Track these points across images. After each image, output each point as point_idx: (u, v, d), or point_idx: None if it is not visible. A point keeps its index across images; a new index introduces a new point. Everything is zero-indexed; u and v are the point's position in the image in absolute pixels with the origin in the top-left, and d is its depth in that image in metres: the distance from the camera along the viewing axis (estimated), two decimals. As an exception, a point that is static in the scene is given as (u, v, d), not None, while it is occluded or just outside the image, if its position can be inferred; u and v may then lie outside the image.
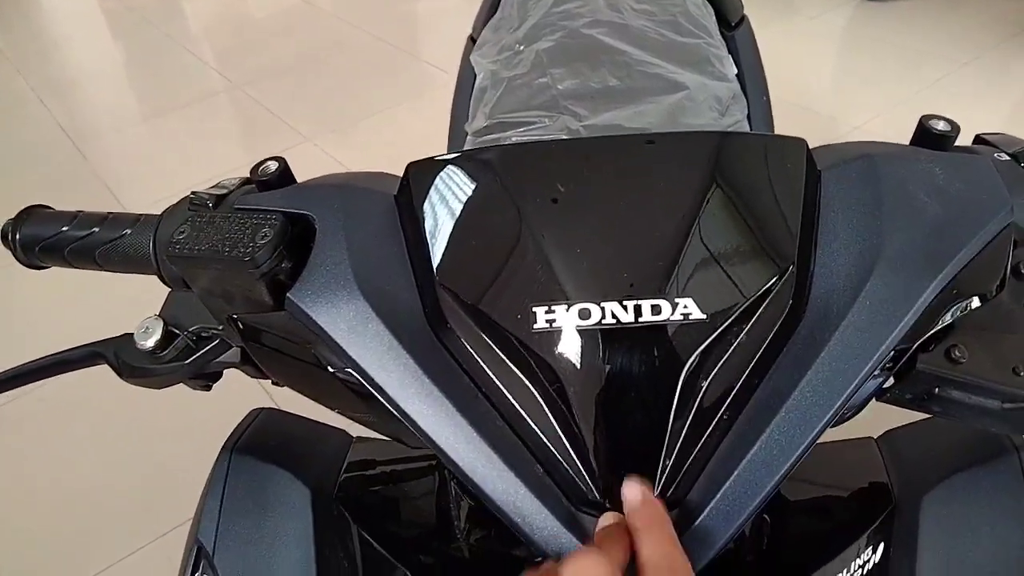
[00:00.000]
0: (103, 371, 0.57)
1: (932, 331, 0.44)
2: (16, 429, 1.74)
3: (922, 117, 0.49)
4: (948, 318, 0.44)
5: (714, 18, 1.20)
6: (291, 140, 2.56)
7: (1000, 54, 2.63)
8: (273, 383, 0.57)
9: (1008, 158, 0.49)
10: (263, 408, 0.61)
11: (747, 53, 1.23)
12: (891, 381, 0.46)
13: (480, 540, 0.52)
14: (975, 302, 0.45)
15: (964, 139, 0.52)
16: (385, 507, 0.55)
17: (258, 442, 0.57)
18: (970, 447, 0.51)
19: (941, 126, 0.49)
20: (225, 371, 0.57)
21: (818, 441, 0.52)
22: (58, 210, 0.61)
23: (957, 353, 0.44)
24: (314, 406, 0.61)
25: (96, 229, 0.57)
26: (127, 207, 2.24)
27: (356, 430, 0.61)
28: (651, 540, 0.39)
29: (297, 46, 3.24)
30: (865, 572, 0.47)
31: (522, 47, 1.18)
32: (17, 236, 0.59)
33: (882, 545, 0.48)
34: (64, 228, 0.58)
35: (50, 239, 0.58)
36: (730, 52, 1.20)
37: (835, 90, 2.59)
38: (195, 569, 0.52)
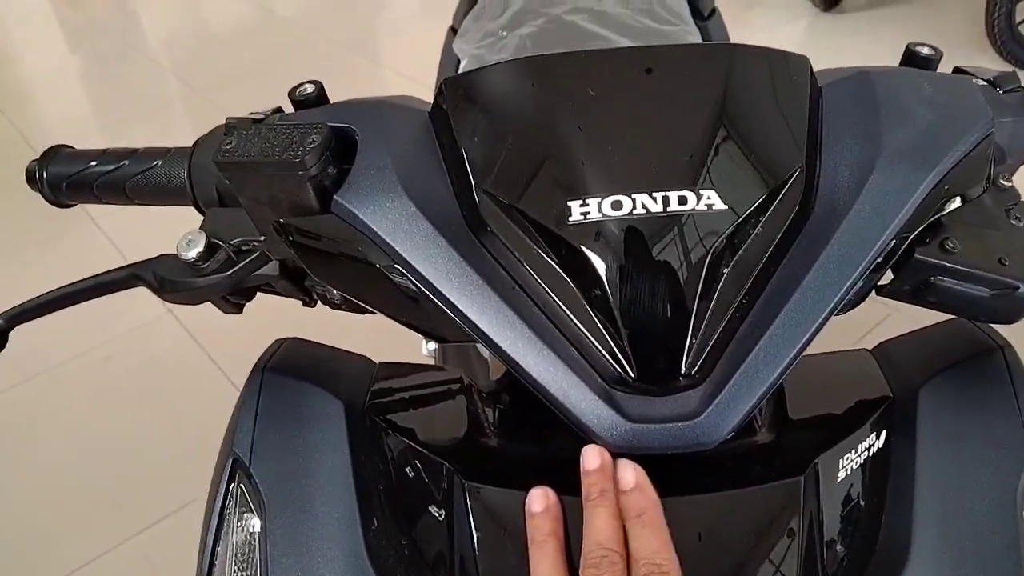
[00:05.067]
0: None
1: (926, 224, 0.48)
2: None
3: (908, 44, 0.54)
4: (945, 209, 0.49)
5: (687, 7, 1.26)
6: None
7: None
8: (304, 304, 0.59)
9: (985, 83, 0.54)
10: (288, 337, 0.63)
11: (720, 41, 1.29)
12: (890, 276, 0.51)
13: (511, 446, 0.55)
14: (963, 200, 0.50)
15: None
16: (415, 421, 0.57)
17: (287, 363, 0.59)
18: (958, 348, 0.56)
19: (925, 51, 0.54)
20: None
21: (817, 353, 0.57)
22: (83, 148, 0.63)
23: (950, 244, 0.48)
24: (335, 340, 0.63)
25: (125, 162, 0.59)
26: (92, 215, 2.23)
27: (379, 357, 0.64)
28: (644, 534, 0.42)
29: (257, 53, 3.26)
30: (870, 455, 0.51)
31: (505, 33, 1.22)
32: (44, 175, 0.61)
33: (884, 432, 0.52)
34: (92, 164, 0.60)
35: (77, 175, 0.60)
36: (704, 40, 1.26)
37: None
38: (231, 480, 0.54)
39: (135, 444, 1.68)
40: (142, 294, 0.57)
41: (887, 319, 1.71)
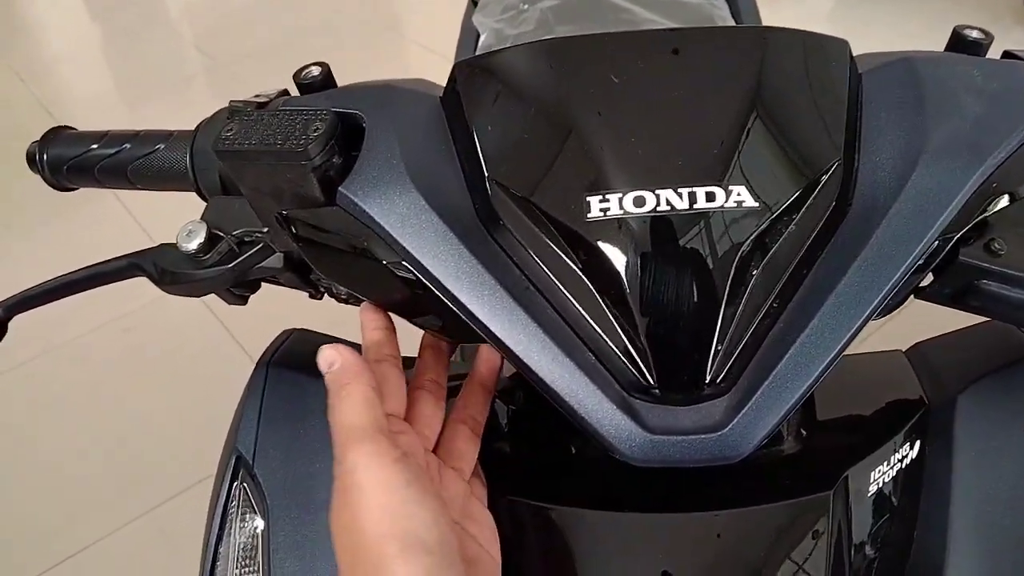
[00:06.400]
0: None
1: (971, 224, 0.45)
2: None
3: (956, 27, 0.50)
4: (992, 208, 0.45)
5: (716, -20, 1.21)
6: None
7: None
8: (311, 296, 0.57)
9: None
10: (294, 328, 0.61)
11: (749, 16, 1.24)
12: (930, 278, 0.48)
13: (524, 450, 0.53)
14: (1011, 198, 0.46)
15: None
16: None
17: (293, 357, 0.57)
18: (997, 352, 0.53)
19: (975, 35, 0.50)
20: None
21: (847, 354, 0.54)
22: (84, 130, 0.61)
23: (996, 245, 0.45)
24: (342, 331, 0.61)
25: (127, 145, 0.57)
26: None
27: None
28: None
29: (281, 27, 3.22)
30: (903, 467, 0.48)
31: (526, 6, 1.18)
32: (44, 157, 0.59)
33: (919, 442, 0.49)
34: (93, 146, 0.58)
35: (78, 157, 0.58)
36: (732, 15, 1.21)
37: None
38: (234, 479, 0.53)
39: (152, 417, 1.69)
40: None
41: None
